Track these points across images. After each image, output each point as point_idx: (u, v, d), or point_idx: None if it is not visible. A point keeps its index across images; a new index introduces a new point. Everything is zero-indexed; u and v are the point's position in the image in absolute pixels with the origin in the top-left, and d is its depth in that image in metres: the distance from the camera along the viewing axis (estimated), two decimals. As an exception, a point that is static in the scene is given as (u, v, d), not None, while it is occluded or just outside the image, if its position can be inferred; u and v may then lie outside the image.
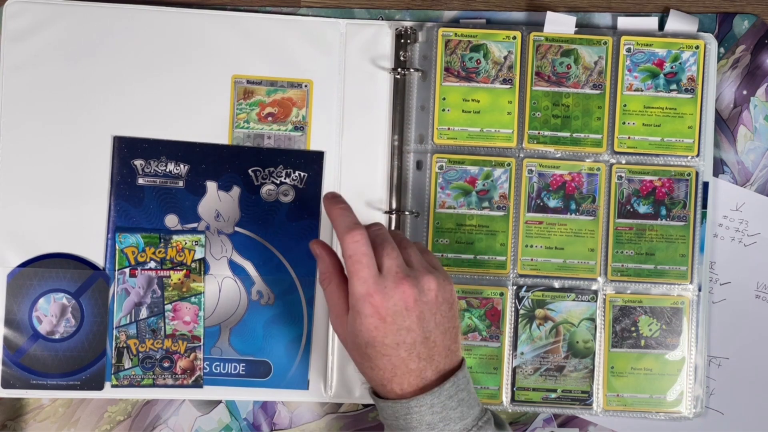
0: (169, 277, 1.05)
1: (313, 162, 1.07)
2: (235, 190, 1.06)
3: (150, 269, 1.05)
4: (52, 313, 1.05)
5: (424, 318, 0.91)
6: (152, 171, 1.05)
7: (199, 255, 1.06)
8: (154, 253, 1.05)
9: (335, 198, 0.96)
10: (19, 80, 1.06)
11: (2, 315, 1.05)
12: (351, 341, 0.92)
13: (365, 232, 0.91)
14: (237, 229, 1.06)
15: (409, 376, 0.90)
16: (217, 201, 1.06)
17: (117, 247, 1.05)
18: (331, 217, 0.95)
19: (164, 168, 1.05)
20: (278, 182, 1.06)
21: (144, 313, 1.05)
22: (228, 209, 1.06)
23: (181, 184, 1.05)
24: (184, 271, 1.05)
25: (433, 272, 0.93)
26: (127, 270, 1.05)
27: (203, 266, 1.06)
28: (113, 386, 1.05)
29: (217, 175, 1.06)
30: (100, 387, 1.05)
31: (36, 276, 1.05)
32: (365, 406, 1.10)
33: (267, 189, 1.06)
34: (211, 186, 1.05)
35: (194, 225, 1.06)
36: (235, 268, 1.07)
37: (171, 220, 1.06)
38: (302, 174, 1.07)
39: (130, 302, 1.05)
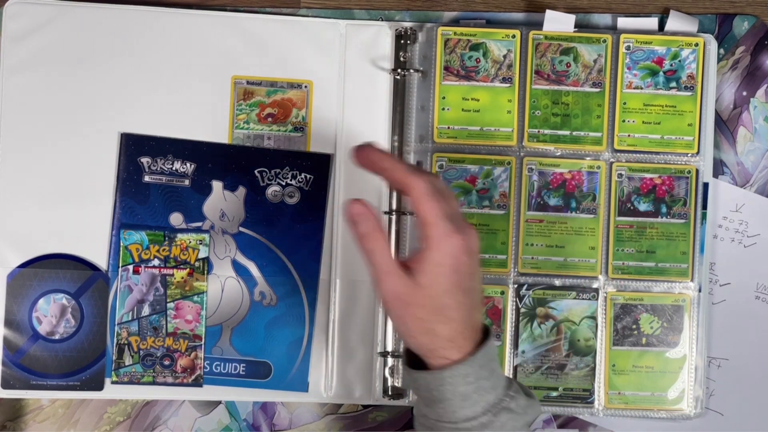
0: (173, 275, 1.05)
1: (320, 164, 1.07)
2: (241, 190, 1.06)
3: (153, 267, 1.05)
4: (51, 313, 1.05)
5: (478, 267, 0.88)
6: (159, 169, 1.05)
7: (202, 254, 1.06)
8: (158, 250, 1.05)
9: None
10: (19, 81, 1.06)
11: (2, 315, 1.05)
12: (416, 295, 0.86)
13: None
14: (241, 229, 1.06)
15: (472, 332, 0.86)
16: (223, 200, 1.06)
17: (121, 244, 1.05)
18: (382, 171, 0.89)
19: (171, 166, 1.05)
20: (284, 184, 1.06)
21: (146, 310, 1.05)
22: (233, 209, 1.06)
23: (187, 182, 1.05)
24: (188, 269, 1.05)
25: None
26: (130, 267, 1.05)
27: (206, 265, 1.06)
28: (113, 383, 1.05)
29: (223, 175, 1.06)
30: (99, 387, 1.05)
31: (36, 276, 1.05)
32: (365, 407, 1.09)
33: (272, 190, 1.06)
34: (217, 185, 1.05)
35: (199, 224, 1.06)
36: (238, 268, 1.06)
37: (176, 219, 1.06)
38: (308, 176, 1.07)
39: (132, 299, 1.05)
